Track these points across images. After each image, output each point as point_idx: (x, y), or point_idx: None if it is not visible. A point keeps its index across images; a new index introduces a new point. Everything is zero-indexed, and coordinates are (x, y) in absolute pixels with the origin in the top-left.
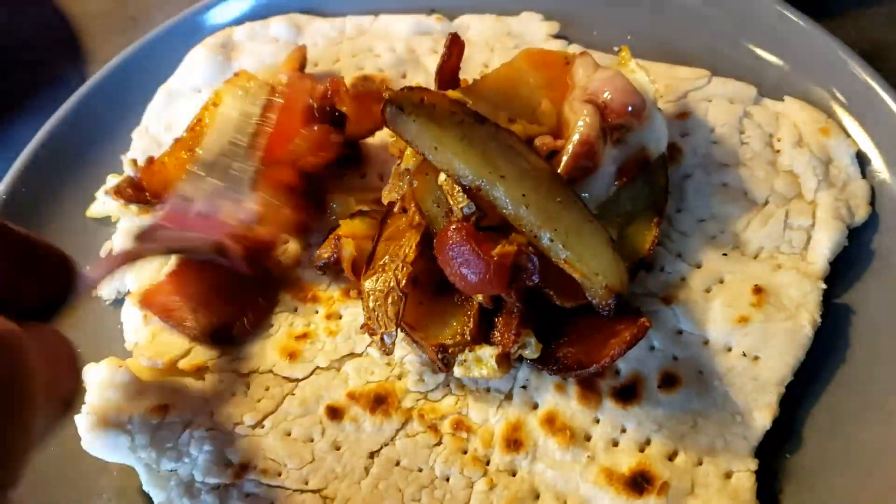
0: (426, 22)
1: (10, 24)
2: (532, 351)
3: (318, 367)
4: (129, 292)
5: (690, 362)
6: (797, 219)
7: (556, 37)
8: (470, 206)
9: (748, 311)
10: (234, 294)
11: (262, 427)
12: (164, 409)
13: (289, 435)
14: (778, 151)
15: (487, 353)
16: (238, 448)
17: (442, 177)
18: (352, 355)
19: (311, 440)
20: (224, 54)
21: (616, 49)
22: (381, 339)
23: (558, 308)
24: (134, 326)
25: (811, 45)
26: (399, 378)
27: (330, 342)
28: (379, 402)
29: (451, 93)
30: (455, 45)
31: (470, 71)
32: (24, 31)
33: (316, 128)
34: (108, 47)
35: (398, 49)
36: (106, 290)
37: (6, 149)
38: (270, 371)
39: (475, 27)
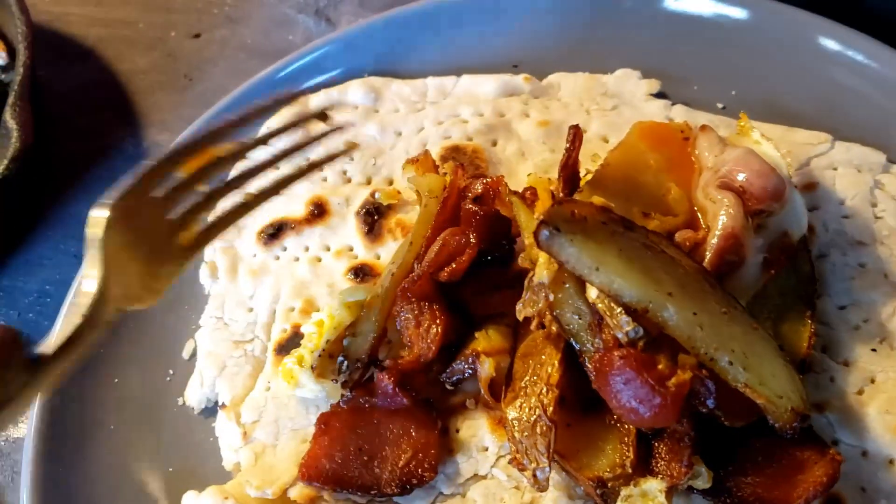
0: (513, 81)
1: (56, 84)
2: (704, 481)
3: (440, 494)
4: (222, 404)
5: (852, 478)
6: None
7: (657, 95)
8: (637, 331)
9: None
10: (398, 432)
11: None
12: None
13: None
14: None
15: (655, 486)
16: None
17: (593, 293)
18: (476, 477)
19: None
20: (301, 126)
21: (720, 106)
22: (534, 474)
23: (725, 428)
24: (232, 444)
25: None
26: None
27: (451, 463)
28: None
29: (595, 199)
30: (577, 139)
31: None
32: (72, 92)
33: (449, 231)
34: (162, 108)
35: (486, 113)
36: (195, 399)
37: (67, 227)
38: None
39: (567, 86)
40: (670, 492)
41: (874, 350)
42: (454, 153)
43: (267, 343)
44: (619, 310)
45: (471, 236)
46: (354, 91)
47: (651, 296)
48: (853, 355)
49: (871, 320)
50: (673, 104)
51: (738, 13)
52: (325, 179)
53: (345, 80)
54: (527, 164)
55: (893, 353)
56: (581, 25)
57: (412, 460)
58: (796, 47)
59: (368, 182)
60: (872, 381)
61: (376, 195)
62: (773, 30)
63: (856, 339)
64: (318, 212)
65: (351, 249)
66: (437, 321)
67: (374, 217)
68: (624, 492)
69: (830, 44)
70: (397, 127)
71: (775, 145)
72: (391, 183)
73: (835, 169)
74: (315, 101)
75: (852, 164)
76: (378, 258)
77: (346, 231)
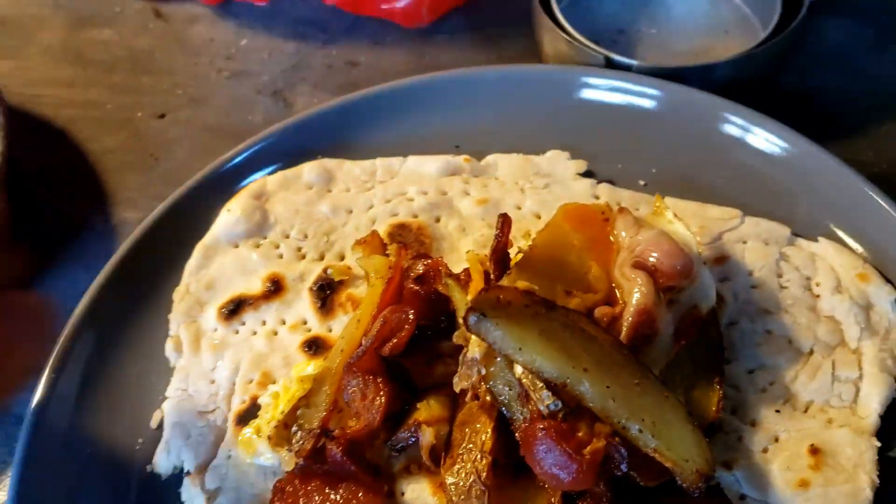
0: (455, 161)
1: (27, 164)
2: None
3: None
4: (188, 472)
5: None
6: (844, 370)
7: (584, 174)
8: (556, 404)
9: (807, 474)
10: (348, 498)
11: None
12: None
13: None
14: (818, 296)
15: None
16: None
17: (518, 369)
18: None
19: None
20: (259, 206)
21: (642, 183)
22: None
23: (641, 487)
24: None
25: (829, 176)
26: None
27: None
28: None
29: (519, 283)
30: (506, 225)
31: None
32: (44, 172)
33: (390, 309)
34: (130, 186)
35: (430, 191)
36: (162, 466)
37: None
38: None
39: (503, 166)
40: None
41: (778, 411)
42: (401, 230)
43: (228, 413)
44: (540, 385)
45: (410, 313)
46: (309, 172)
47: (568, 372)
48: (759, 416)
49: (776, 383)
50: (599, 182)
51: (647, 103)
52: (280, 256)
53: (300, 161)
54: (467, 238)
55: (795, 414)
56: (514, 111)
57: None
58: (704, 129)
59: (321, 258)
60: (776, 440)
61: (328, 271)
62: (682, 113)
63: (762, 401)
64: (275, 288)
65: (305, 323)
66: (381, 393)
67: (326, 292)
68: None
69: (734, 126)
70: (348, 205)
71: (686, 224)
72: (342, 258)
73: (744, 242)
74: (271, 184)
75: (760, 238)
76: (330, 331)
77: (301, 305)
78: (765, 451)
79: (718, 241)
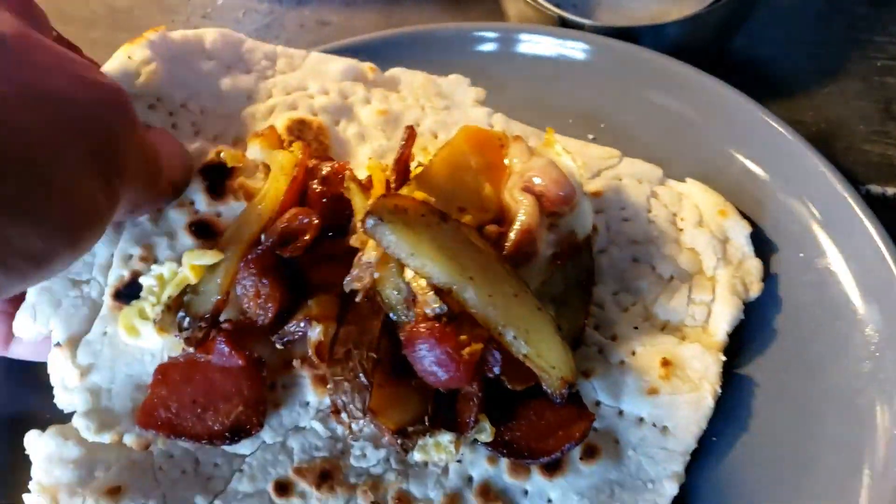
0: (359, 67)
1: None
2: (487, 435)
3: (263, 442)
4: (57, 343)
5: (608, 433)
6: (699, 294)
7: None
8: (442, 308)
9: (658, 383)
10: (230, 387)
11: None
12: (117, 492)
13: None
14: (681, 230)
15: (447, 438)
16: None
17: (409, 274)
18: (296, 429)
19: None
20: (158, 62)
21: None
22: (350, 427)
23: (508, 390)
24: (67, 383)
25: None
26: (342, 453)
27: (275, 416)
28: (324, 477)
29: (417, 193)
30: (411, 138)
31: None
32: None
33: (293, 212)
34: None
35: (331, 93)
36: (25, 332)
37: None
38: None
39: (406, 81)
40: (458, 442)
41: (636, 328)
42: (301, 126)
43: (105, 287)
44: (429, 290)
45: (314, 218)
46: (211, 41)
47: (455, 279)
48: (619, 332)
49: (637, 304)
50: (494, 113)
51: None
52: (174, 126)
53: None
54: (365, 147)
55: (653, 331)
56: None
57: (242, 415)
58: (623, 77)
59: (215, 139)
60: (633, 353)
61: (221, 155)
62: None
63: (623, 319)
64: None
65: (192, 203)
66: (276, 292)
67: (217, 176)
68: (420, 442)
69: (650, 70)
70: (248, 90)
71: (573, 157)
72: (235, 144)
73: (620, 179)
74: (173, 40)
75: (635, 177)
76: (219, 216)
77: (190, 186)
78: (621, 363)
79: (597, 176)
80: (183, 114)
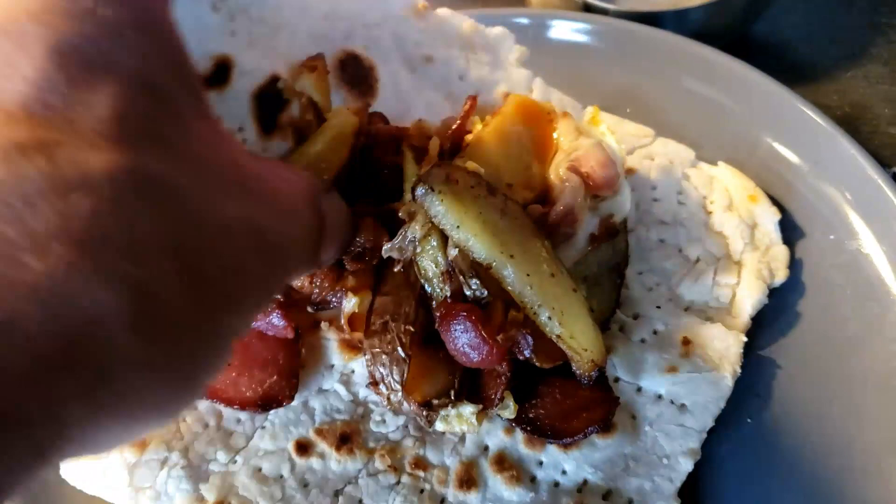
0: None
1: None
2: (510, 412)
3: None
4: None
5: (625, 408)
6: (724, 277)
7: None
8: (482, 291)
9: (677, 361)
10: (267, 354)
11: (235, 463)
12: (142, 445)
13: (260, 471)
14: (710, 213)
15: (469, 410)
16: (213, 485)
17: (453, 252)
18: (319, 391)
19: (281, 477)
20: None
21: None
22: (388, 398)
23: (535, 368)
24: None
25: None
26: (363, 417)
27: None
28: (344, 440)
29: (469, 164)
30: (472, 108)
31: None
32: None
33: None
34: None
35: (383, 30)
36: None
37: None
38: None
39: (454, 24)
40: (481, 415)
41: (659, 307)
42: (354, 62)
43: None
44: (471, 273)
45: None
46: None
47: (496, 256)
48: (642, 311)
49: (662, 284)
50: (534, 77)
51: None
52: (233, 34)
53: None
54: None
55: (676, 311)
56: None
57: (276, 384)
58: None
59: (268, 57)
60: (655, 332)
61: (279, 84)
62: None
63: (647, 299)
64: (220, 74)
65: (241, 130)
66: (332, 269)
67: (272, 108)
68: (443, 412)
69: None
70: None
71: (618, 139)
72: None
73: (652, 159)
74: None
75: (667, 157)
76: (264, 152)
77: (240, 109)
78: (642, 341)
79: (630, 154)
80: (242, 22)
